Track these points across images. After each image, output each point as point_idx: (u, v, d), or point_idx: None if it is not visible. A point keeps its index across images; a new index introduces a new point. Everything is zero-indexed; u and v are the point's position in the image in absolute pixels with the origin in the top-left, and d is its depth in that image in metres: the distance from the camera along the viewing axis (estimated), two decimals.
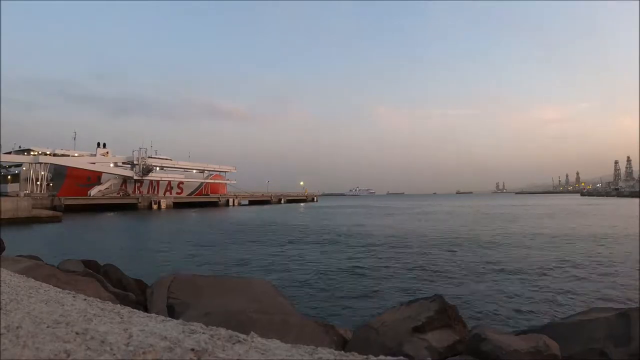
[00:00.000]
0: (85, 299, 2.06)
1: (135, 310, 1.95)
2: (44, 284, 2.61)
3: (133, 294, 4.72)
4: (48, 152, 58.21)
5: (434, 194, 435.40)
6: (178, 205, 59.87)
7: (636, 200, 62.69)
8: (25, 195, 41.92)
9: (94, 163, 59.05)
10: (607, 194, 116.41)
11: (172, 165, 71.38)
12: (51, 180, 53.80)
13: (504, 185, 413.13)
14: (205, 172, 77.72)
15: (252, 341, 1.30)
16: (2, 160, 50.93)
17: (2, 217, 24.58)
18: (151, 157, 65.93)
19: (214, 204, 67.43)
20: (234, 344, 1.26)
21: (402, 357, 1.36)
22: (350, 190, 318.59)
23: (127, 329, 1.38)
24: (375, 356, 1.19)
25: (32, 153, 56.77)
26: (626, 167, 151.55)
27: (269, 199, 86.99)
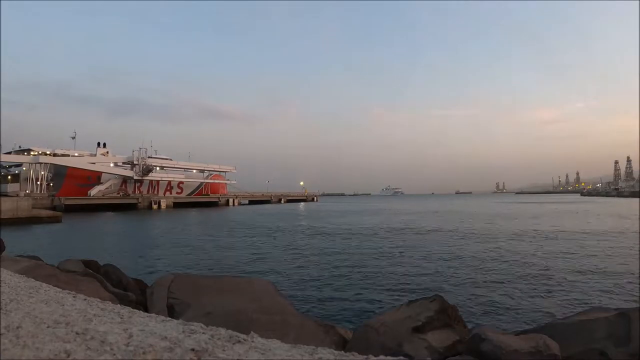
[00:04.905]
0: (85, 299, 2.06)
1: (135, 310, 1.96)
2: (44, 284, 2.61)
3: (133, 294, 4.72)
4: (48, 152, 58.19)
5: (432, 194, 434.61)
6: (178, 205, 59.93)
7: (636, 200, 62.71)
8: (25, 195, 41.94)
9: (94, 163, 59.06)
10: (607, 194, 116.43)
11: (172, 165, 71.40)
12: (51, 180, 53.82)
13: (504, 185, 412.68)
14: (205, 172, 77.77)
15: (252, 341, 1.30)
16: (2, 160, 50.95)
17: (2, 217, 24.57)
18: (151, 157, 65.93)
19: (214, 204, 67.48)
20: (234, 344, 1.26)
21: (402, 357, 1.36)
22: (382, 190, 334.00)
23: (127, 329, 1.38)
24: (375, 356, 1.19)
25: (32, 153, 56.80)
26: (626, 167, 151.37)
27: (269, 198, 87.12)
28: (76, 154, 61.31)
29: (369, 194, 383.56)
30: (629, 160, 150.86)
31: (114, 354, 1.11)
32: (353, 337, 3.59)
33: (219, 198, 71.78)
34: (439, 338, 2.95)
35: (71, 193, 51.56)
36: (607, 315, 3.00)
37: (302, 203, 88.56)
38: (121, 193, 59.88)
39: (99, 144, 63.90)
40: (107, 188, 59.13)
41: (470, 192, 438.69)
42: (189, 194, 71.90)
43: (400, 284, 9.62)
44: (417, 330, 2.99)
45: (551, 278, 9.92)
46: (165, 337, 1.28)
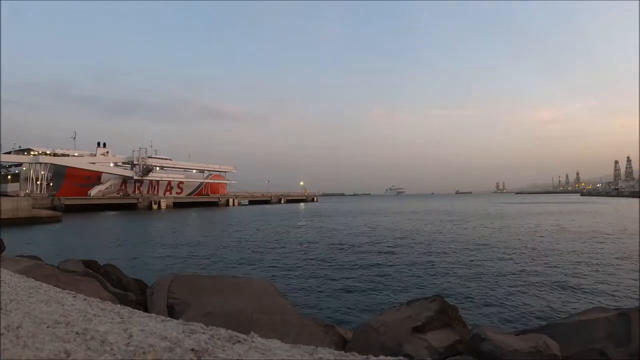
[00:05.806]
0: (85, 299, 2.06)
1: (135, 310, 1.95)
2: (44, 284, 2.61)
3: (133, 294, 4.71)
4: (48, 152, 58.16)
5: (432, 194, 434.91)
6: (178, 205, 59.94)
7: (636, 200, 62.68)
8: (25, 195, 41.93)
9: (94, 163, 59.06)
10: (607, 194, 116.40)
11: (172, 165, 71.40)
12: (51, 180, 53.82)
13: (504, 185, 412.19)
14: (205, 172, 77.75)
15: (252, 341, 1.30)
16: (2, 160, 50.93)
17: (2, 217, 24.56)
18: (151, 157, 65.94)
19: (214, 204, 67.48)
20: (234, 344, 1.26)
21: (402, 357, 1.36)
22: (387, 190, 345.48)
23: (127, 329, 1.38)
24: (375, 356, 1.19)
25: (32, 153, 56.80)
26: (626, 167, 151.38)
27: (269, 198, 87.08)
28: (76, 154, 61.27)
29: (369, 194, 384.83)
30: (629, 160, 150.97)
31: (114, 354, 1.11)
32: (353, 337, 3.59)
33: (219, 198, 71.76)
34: (439, 338, 2.95)
35: (71, 193, 51.55)
36: (607, 315, 3.00)
37: (302, 203, 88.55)
38: (121, 193, 59.87)
39: (99, 144, 63.95)
40: (107, 188, 59.12)
41: (470, 192, 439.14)
42: (189, 194, 71.89)
43: (400, 283, 9.61)
44: (417, 330, 2.99)
45: (551, 278, 9.92)
46: (165, 337, 1.28)
